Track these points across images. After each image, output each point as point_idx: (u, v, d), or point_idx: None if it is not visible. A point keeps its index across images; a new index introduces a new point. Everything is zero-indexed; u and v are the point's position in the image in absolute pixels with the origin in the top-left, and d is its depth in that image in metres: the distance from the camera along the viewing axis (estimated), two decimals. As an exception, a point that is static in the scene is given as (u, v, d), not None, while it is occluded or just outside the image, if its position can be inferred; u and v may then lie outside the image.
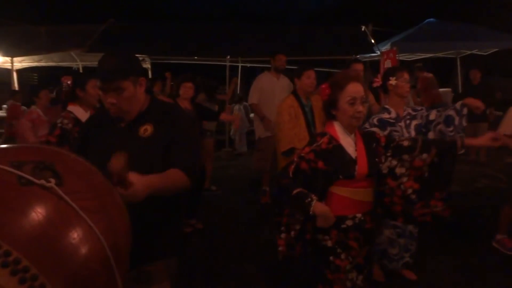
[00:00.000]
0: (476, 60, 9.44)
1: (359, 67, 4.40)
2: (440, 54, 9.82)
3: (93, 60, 8.44)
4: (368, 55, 8.53)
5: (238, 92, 10.01)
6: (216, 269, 3.49)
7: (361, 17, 10.62)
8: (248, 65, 10.51)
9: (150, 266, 1.68)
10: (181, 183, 1.62)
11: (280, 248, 2.09)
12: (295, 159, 2.02)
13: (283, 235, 2.07)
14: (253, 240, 4.09)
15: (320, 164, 1.99)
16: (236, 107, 9.51)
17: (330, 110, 2.07)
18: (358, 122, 2.03)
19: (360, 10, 16.42)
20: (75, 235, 0.94)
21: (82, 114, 2.98)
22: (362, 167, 2.01)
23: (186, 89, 4.33)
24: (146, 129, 1.69)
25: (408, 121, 2.90)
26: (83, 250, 0.94)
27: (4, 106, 10.74)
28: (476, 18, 11.28)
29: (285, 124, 3.85)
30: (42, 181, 0.95)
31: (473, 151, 7.47)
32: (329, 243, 2.04)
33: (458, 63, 9.90)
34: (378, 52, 8.10)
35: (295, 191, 1.93)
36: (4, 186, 0.93)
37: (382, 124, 2.84)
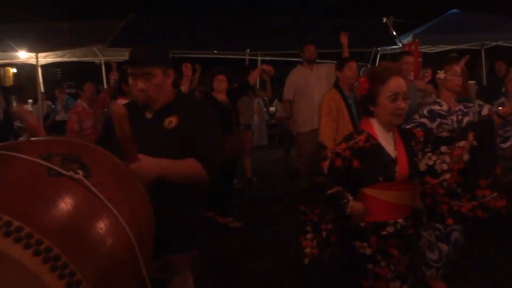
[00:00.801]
0: (502, 51, 9.17)
1: (411, 59, 4.31)
2: (464, 46, 9.55)
3: (114, 55, 8.56)
4: (389, 47, 8.39)
5: (258, 86, 10.00)
6: (236, 264, 3.51)
7: (382, 9, 10.43)
8: (268, 58, 10.47)
9: (172, 257, 1.72)
10: (196, 173, 1.66)
11: (306, 250, 1.90)
12: (329, 154, 1.88)
13: (309, 236, 1.90)
14: (272, 236, 4.09)
15: (355, 163, 1.85)
16: (255, 100, 9.52)
17: (368, 105, 1.90)
18: (398, 120, 1.85)
19: (381, 1, 16.12)
20: (102, 225, 0.97)
21: None
22: (402, 168, 1.85)
23: (219, 82, 4.31)
24: (171, 121, 1.73)
25: (460, 117, 2.76)
26: (110, 240, 0.97)
27: (30, 100, 11.02)
28: (502, 9, 10.94)
29: (322, 118, 3.77)
30: (71, 173, 0.99)
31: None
32: (368, 251, 1.88)
33: (483, 55, 9.63)
34: (400, 45, 7.95)
35: (330, 191, 1.81)
36: (34, 177, 0.96)
37: (432, 115, 2.70)
